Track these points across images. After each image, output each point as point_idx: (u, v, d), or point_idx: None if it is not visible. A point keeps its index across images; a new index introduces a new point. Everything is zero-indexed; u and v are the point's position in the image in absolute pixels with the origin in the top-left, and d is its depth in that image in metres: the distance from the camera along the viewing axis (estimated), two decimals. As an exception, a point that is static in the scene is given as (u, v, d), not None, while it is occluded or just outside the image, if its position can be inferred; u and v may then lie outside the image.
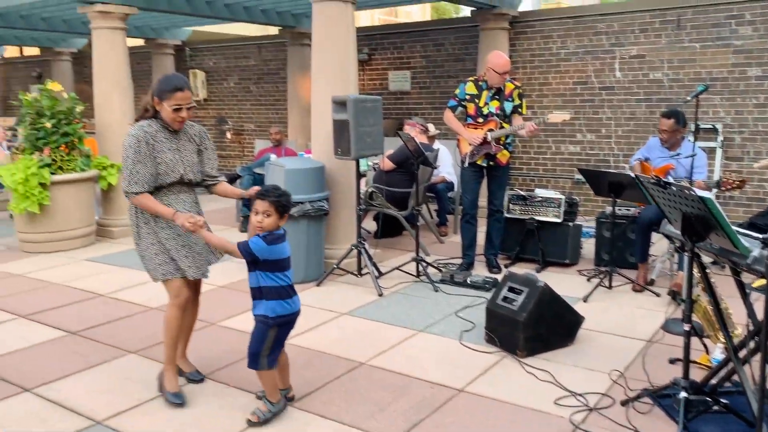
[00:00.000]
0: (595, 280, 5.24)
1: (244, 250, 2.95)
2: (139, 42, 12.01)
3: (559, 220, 5.85)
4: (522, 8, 8.42)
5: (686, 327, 2.98)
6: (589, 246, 6.28)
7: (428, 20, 10.54)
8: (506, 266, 5.89)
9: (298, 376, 3.58)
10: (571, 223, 5.89)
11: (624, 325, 4.43)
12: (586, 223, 6.86)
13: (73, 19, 10.03)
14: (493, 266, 5.81)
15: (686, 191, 2.69)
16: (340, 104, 5.18)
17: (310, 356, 3.94)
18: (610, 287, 5.18)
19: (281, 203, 2.97)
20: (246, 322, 3.15)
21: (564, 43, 8.18)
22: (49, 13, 9.56)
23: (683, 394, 2.96)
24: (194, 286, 3.53)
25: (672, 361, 3.75)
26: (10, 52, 16.72)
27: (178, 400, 3.32)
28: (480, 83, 5.59)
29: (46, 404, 3.38)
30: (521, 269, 5.68)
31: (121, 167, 7.23)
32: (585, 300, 4.92)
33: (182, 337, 3.55)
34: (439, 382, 3.57)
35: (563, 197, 5.91)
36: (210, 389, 3.47)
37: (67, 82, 12.97)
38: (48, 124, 6.76)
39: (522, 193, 6.14)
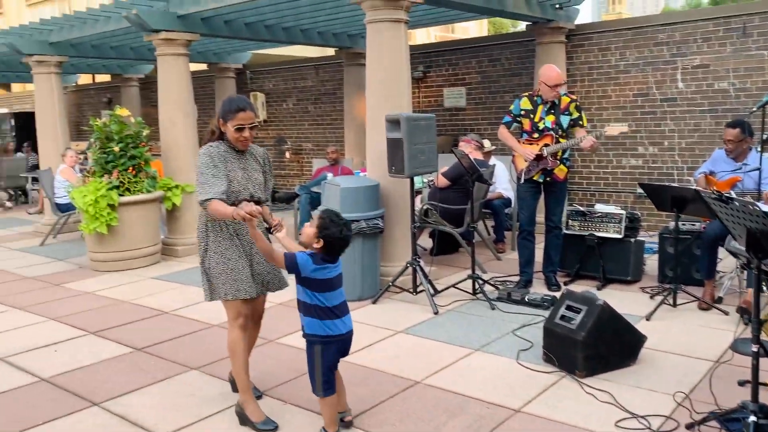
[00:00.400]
0: (659, 298, 5.07)
1: (290, 261, 2.98)
2: (203, 66, 12.45)
3: (620, 236, 5.70)
4: (580, 20, 8.31)
5: (754, 348, 2.85)
6: (652, 262, 6.09)
7: (483, 36, 10.53)
8: (566, 284, 5.78)
9: (352, 393, 3.59)
10: (632, 239, 5.73)
11: (689, 344, 4.27)
12: (650, 239, 6.66)
13: (140, 47, 10.49)
14: (551, 284, 5.70)
15: (750, 206, 2.59)
16: (393, 123, 5.22)
17: (364, 374, 3.96)
18: (674, 305, 5.00)
19: (323, 223, 2.99)
20: (304, 340, 3.18)
21: (623, 54, 8.02)
22: (117, 42, 10.03)
23: (752, 418, 2.83)
24: (257, 305, 3.59)
25: (741, 383, 3.59)
26: (83, 79, 17.61)
27: (270, 427, 3.27)
28: (535, 98, 5.55)
29: (113, 418, 3.51)
30: (581, 287, 5.58)
31: (184, 188, 7.54)
32: (648, 318, 4.76)
33: None
34: (496, 402, 3.53)
35: (624, 212, 5.76)
36: (268, 406, 3.52)
37: (135, 107, 13.55)
38: (116, 148, 7.07)
39: (581, 208, 6.02)
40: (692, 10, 7.59)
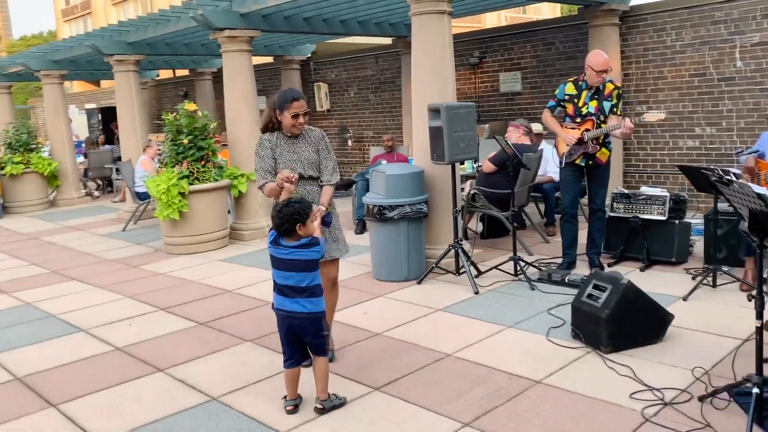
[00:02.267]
0: (700, 279, 5.11)
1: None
2: (269, 59, 12.98)
3: (663, 218, 5.74)
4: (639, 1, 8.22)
5: (757, 324, 2.97)
6: (701, 244, 6.08)
7: (537, 20, 10.50)
8: (609, 265, 5.87)
9: (388, 364, 3.94)
10: (677, 221, 5.76)
11: (721, 323, 4.34)
12: (697, 220, 6.62)
13: (209, 43, 11.07)
14: (594, 265, 5.79)
15: (746, 188, 2.71)
16: (434, 111, 5.46)
17: (401, 348, 4.26)
18: (714, 286, 5.05)
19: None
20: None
21: (679, 34, 7.89)
22: (189, 39, 10.67)
23: (755, 390, 2.95)
24: (327, 271, 3.95)
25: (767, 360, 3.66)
26: (163, 74, 18.60)
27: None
28: (580, 83, 5.64)
29: (174, 382, 3.97)
30: (625, 268, 5.69)
31: (250, 176, 8.04)
32: (685, 299, 4.84)
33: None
34: (519, 373, 3.76)
35: (668, 194, 5.79)
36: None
37: (209, 99, 14.27)
38: (185, 140, 7.62)
39: (625, 191, 6.08)
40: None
